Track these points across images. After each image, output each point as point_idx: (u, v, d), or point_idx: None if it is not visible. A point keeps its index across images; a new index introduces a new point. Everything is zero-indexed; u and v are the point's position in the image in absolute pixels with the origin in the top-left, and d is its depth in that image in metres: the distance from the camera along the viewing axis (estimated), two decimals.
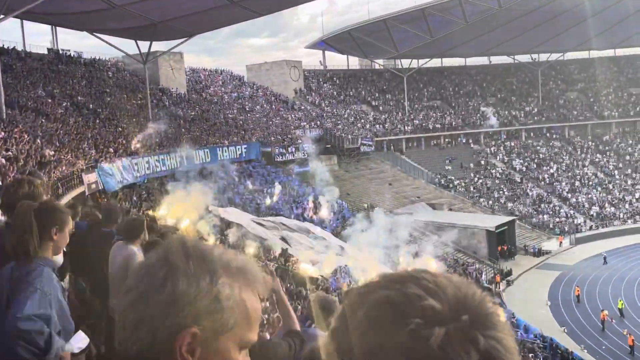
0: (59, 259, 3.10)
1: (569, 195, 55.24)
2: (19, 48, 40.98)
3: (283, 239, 29.08)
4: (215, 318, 0.97)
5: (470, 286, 0.78)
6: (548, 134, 65.59)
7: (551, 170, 59.30)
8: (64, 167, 22.93)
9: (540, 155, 61.90)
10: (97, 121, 35.80)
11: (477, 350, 0.70)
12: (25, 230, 2.81)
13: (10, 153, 20.28)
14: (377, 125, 60.25)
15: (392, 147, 59.42)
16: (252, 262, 1.07)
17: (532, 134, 65.50)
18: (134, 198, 29.29)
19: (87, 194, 23.43)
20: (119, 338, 0.99)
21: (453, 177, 55.70)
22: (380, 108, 64.31)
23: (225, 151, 40.89)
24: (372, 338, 0.73)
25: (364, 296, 0.78)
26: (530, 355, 24.57)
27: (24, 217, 2.88)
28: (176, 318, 0.95)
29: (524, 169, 59.40)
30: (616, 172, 59.28)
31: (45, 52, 43.66)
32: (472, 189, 54.83)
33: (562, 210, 52.59)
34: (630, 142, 63.97)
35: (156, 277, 0.97)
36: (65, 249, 3.25)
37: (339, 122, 57.63)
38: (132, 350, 0.97)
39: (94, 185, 24.63)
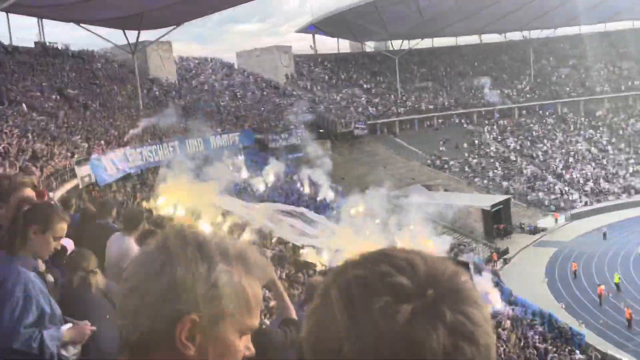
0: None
1: (563, 171, 55.37)
2: (6, 42, 40.55)
3: (279, 224, 29.05)
4: (214, 304, 0.97)
5: (443, 262, 0.79)
6: (541, 112, 65.58)
7: (545, 148, 59.41)
8: (56, 161, 22.78)
9: (534, 132, 61.93)
10: (88, 113, 35.56)
11: (444, 325, 0.71)
12: (10, 225, 2.77)
13: (1, 148, 20.12)
14: (370, 108, 60.06)
15: (385, 129, 59.28)
16: (252, 248, 1.08)
17: (524, 111, 65.50)
18: (128, 189, 29.18)
19: (80, 187, 23.33)
20: (120, 325, 1.00)
21: (447, 158, 55.69)
22: (373, 91, 64.09)
23: (219, 139, 40.71)
24: (344, 316, 0.74)
25: (338, 276, 0.79)
26: (530, 332, 24.80)
27: (13, 211, 2.85)
28: (175, 305, 0.95)
29: (518, 147, 59.44)
30: (609, 147, 59.41)
31: (33, 45, 43.21)
32: (466, 169, 54.87)
33: (556, 187, 52.73)
34: (623, 116, 64.05)
35: (154, 264, 0.98)
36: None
37: (331, 106, 57.42)
38: (132, 337, 0.98)
39: (87, 178, 24.55)
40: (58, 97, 35.64)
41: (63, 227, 2.90)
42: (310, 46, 68.27)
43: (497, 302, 26.86)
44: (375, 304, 0.72)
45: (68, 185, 21.66)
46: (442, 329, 0.71)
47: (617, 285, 32.85)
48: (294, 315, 3.00)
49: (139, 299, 0.97)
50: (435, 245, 30.19)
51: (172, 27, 41.74)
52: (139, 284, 0.98)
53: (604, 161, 57.20)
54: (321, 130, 50.59)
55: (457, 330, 0.72)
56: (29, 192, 3.54)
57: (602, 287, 31.63)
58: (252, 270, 1.03)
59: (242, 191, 35.71)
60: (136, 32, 40.73)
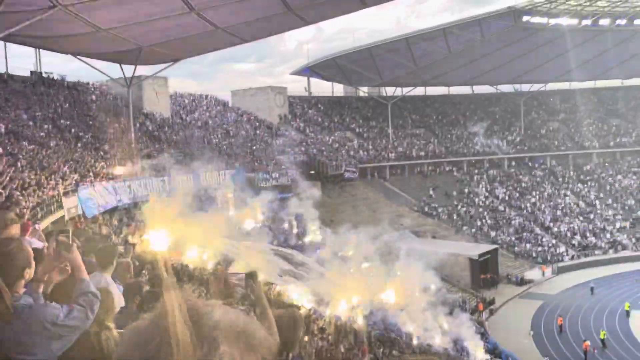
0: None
1: (551, 224, 55.57)
2: (1, 70, 40.64)
3: (265, 264, 28.68)
4: None
5: None
6: (530, 163, 66.27)
7: (533, 199, 59.73)
8: (44, 191, 22.52)
9: (523, 184, 62.40)
10: (79, 145, 35.45)
11: None
12: None
13: None
14: (361, 152, 60.44)
15: (376, 174, 59.54)
16: (255, 324, 1.01)
17: (514, 162, 66.15)
18: (115, 223, 28.82)
19: (66, 218, 23.02)
20: None
21: (436, 205, 55.82)
22: (365, 135, 64.60)
23: (209, 176, 40.57)
24: None
25: None
26: None
27: None
28: None
29: (507, 197, 59.76)
30: (597, 201, 59.88)
31: (28, 74, 43.32)
32: (455, 217, 54.95)
33: (544, 239, 52.83)
34: (611, 172, 64.83)
35: (149, 345, 0.93)
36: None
37: (323, 148, 57.72)
38: None
39: (73, 210, 24.23)
40: (50, 127, 35.58)
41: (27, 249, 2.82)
42: (305, 88, 69.14)
43: (478, 353, 26.50)
44: None
45: (54, 217, 21.36)
46: None
47: (602, 341, 32.60)
48: None
49: None
50: (423, 281, 29.96)
51: (169, 63, 42.01)
52: None
53: (592, 216, 57.54)
54: (312, 172, 50.68)
55: None
56: (15, 229, 3.48)
57: (588, 342, 31.36)
58: (255, 348, 0.97)
59: (230, 230, 35.36)
60: (133, 66, 40.95)
